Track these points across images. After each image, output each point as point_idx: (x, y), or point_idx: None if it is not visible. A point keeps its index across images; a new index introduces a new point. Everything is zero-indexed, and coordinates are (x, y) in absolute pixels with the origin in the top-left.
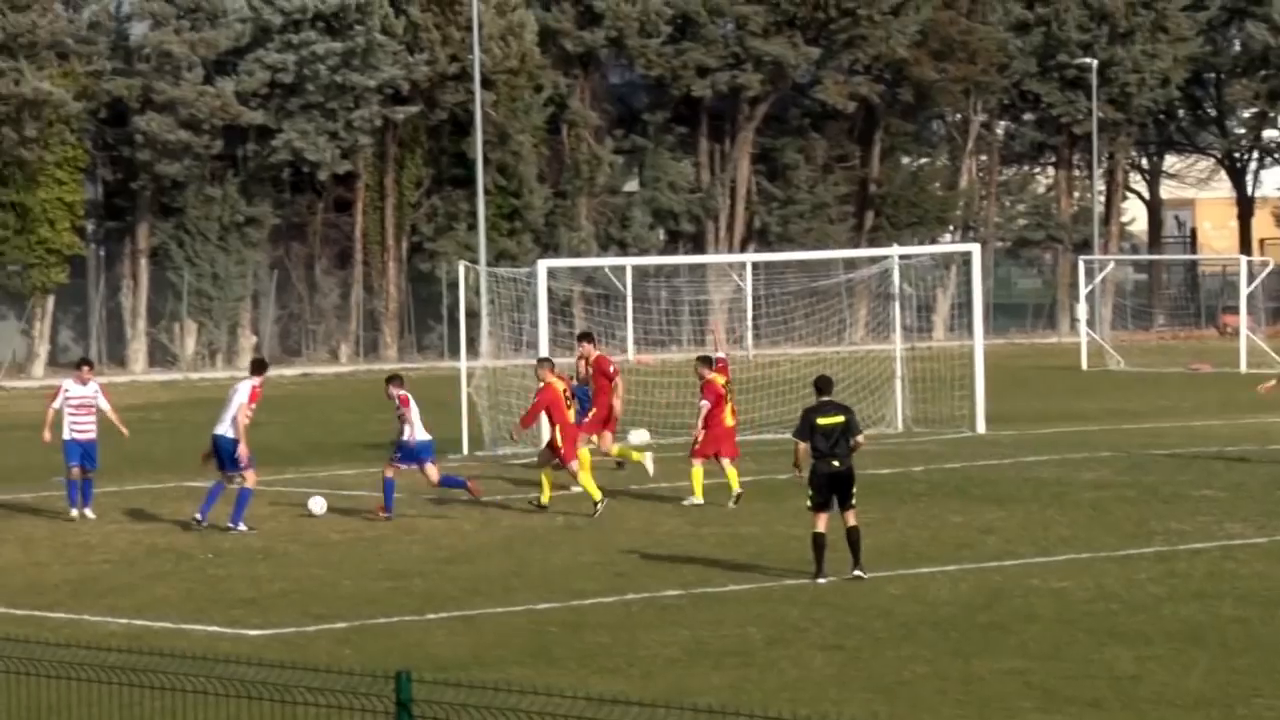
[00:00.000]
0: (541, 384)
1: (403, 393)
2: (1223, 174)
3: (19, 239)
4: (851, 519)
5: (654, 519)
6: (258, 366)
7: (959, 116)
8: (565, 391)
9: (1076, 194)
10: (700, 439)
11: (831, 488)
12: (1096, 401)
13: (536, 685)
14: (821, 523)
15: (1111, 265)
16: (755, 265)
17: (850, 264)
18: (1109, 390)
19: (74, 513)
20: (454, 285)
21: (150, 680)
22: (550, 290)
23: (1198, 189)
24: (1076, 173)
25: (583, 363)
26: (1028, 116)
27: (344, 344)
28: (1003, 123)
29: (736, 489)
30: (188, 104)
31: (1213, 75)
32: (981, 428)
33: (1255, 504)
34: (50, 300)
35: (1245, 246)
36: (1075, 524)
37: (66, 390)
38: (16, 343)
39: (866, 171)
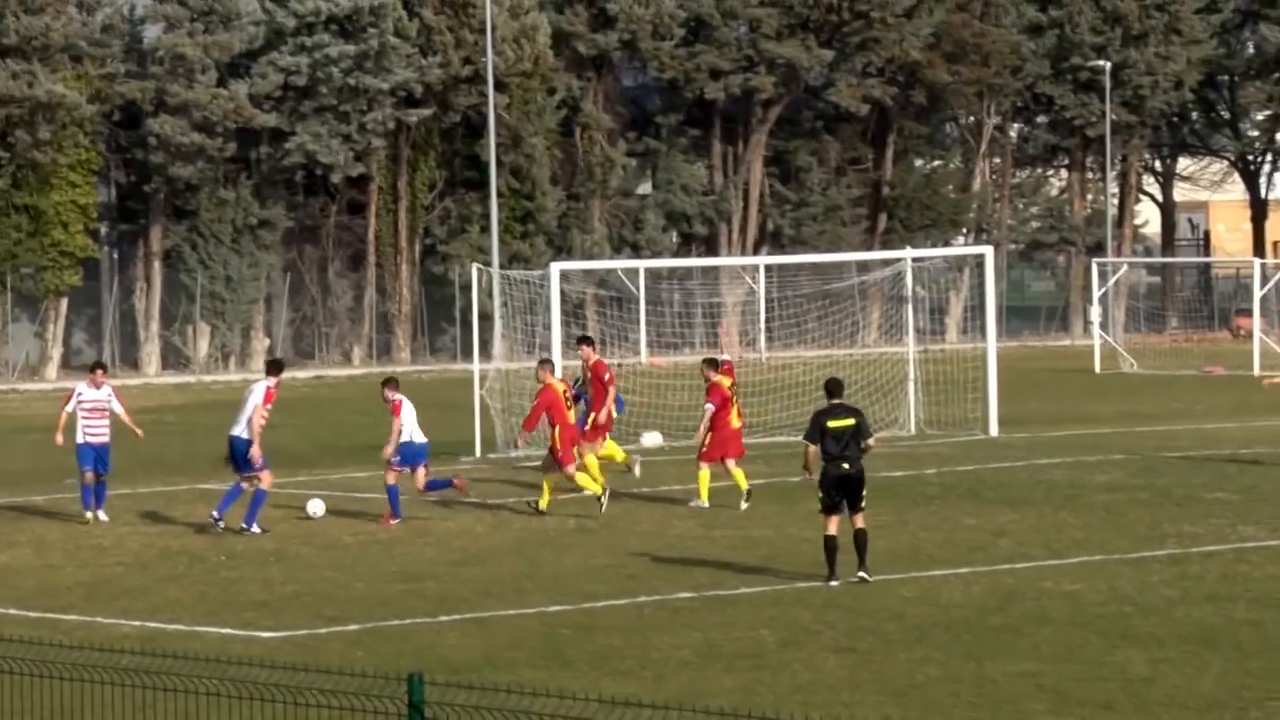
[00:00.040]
0: (541, 385)
1: (397, 397)
2: (1236, 176)
3: (32, 241)
4: (859, 522)
5: (666, 521)
6: (273, 367)
7: (972, 119)
8: (565, 393)
9: (1090, 196)
10: (707, 443)
11: (841, 490)
12: (1109, 404)
13: (549, 687)
14: (832, 525)
15: (1125, 268)
16: (768, 268)
17: (863, 266)
18: (1122, 393)
19: (89, 516)
20: (467, 288)
21: (163, 682)
22: (563, 293)
23: (1211, 191)
24: (1090, 175)
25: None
26: (1041, 119)
27: (357, 346)
28: (1016, 125)
29: (745, 486)
30: (201, 106)
31: (1226, 77)
32: (994, 430)
33: (1268, 507)
34: (64, 303)
35: (1259, 249)
36: (1088, 526)
37: (79, 394)
38: (30, 345)
39: (880, 174)
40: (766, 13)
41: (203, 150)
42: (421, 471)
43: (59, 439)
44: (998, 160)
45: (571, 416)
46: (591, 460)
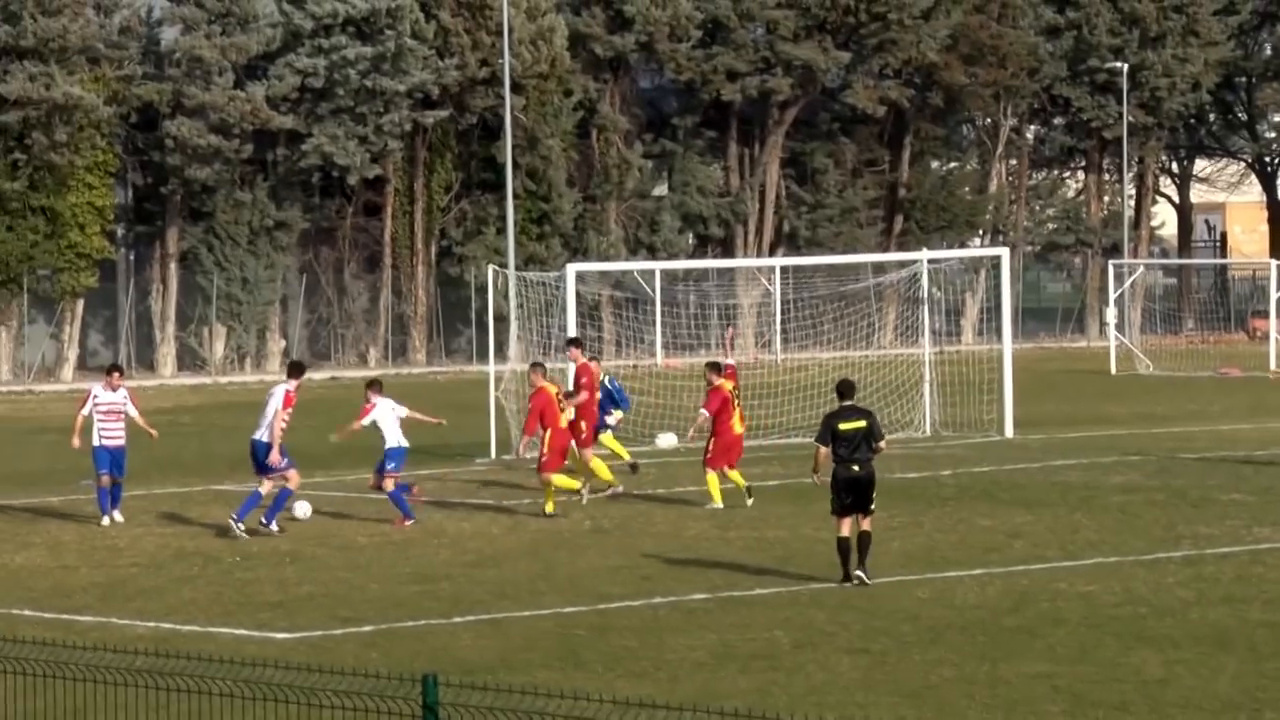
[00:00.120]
0: (533, 389)
1: (373, 401)
2: (1253, 178)
3: (49, 243)
4: (865, 524)
5: (680, 523)
6: (294, 369)
7: (989, 121)
8: (559, 395)
9: (1106, 198)
10: (711, 448)
11: (851, 492)
12: (1125, 405)
13: (563, 689)
14: (845, 527)
15: (1141, 269)
16: (784, 269)
17: (879, 268)
18: (1138, 394)
19: (105, 520)
20: (482, 289)
21: (177, 683)
22: (579, 294)
23: (1228, 193)
24: (1106, 177)
25: (594, 365)
26: (1058, 121)
27: (373, 348)
28: (1033, 127)
29: (744, 484)
30: (218, 109)
31: (1243, 79)
32: (1010, 432)
33: None
34: (80, 304)
35: (1275, 250)
36: (1103, 528)
37: (95, 396)
38: (46, 346)
39: (896, 176)
40: (783, 14)
41: (219, 152)
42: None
43: (76, 442)
44: (1014, 162)
45: (563, 421)
46: (597, 463)
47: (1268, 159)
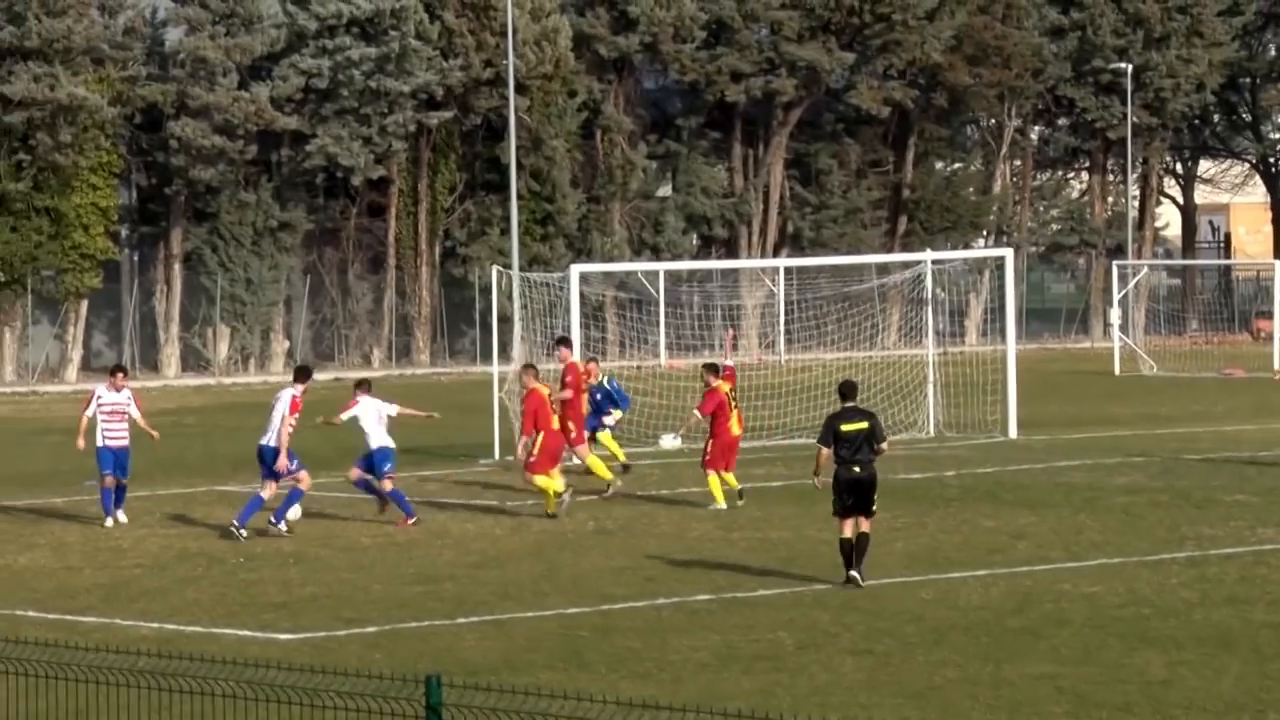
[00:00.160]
0: (525, 390)
1: (355, 400)
2: (1257, 179)
3: (53, 244)
4: (865, 525)
5: (684, 524)
6: (300, 374)
7: (993, 121)
8: (551, 396)
9: (1110, 199)
10: (710, 450)
11: (852, 493)
12: (1129, 406)
13: (566, 690)
14: (847, 528)
15: (1145, 270)
16: (788, 270)
17: (883, 269)
18: (1142, 395)
19: (108, 521)
20: (486, 290)
21: (181, 684)
22: (583, 295)
23: (1232, 194)
24: (1110, 178)
25: (593, 365)
26: (1062, 121)
27: (376, 349)
28: (1037, 128)
29: (737, 486)
30: (222, 109)
31: (1248, 80)
32: (1013, 432)
33: None
34: (84, 305)
35: (1279, 251)
36: (1107, 529)
37: (99, 396)
38: (50, 347)
39: (900, 176)
40: (788, 15)
41: (223, 153)
42: (357, 471)
43: (80, 443)
44: (1018, 163)
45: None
46: (596, 462)
47: (1272, 160)
